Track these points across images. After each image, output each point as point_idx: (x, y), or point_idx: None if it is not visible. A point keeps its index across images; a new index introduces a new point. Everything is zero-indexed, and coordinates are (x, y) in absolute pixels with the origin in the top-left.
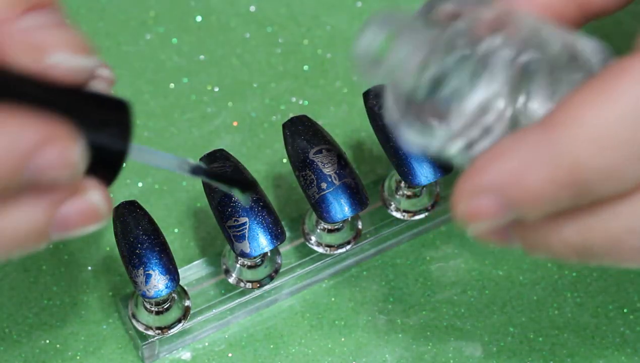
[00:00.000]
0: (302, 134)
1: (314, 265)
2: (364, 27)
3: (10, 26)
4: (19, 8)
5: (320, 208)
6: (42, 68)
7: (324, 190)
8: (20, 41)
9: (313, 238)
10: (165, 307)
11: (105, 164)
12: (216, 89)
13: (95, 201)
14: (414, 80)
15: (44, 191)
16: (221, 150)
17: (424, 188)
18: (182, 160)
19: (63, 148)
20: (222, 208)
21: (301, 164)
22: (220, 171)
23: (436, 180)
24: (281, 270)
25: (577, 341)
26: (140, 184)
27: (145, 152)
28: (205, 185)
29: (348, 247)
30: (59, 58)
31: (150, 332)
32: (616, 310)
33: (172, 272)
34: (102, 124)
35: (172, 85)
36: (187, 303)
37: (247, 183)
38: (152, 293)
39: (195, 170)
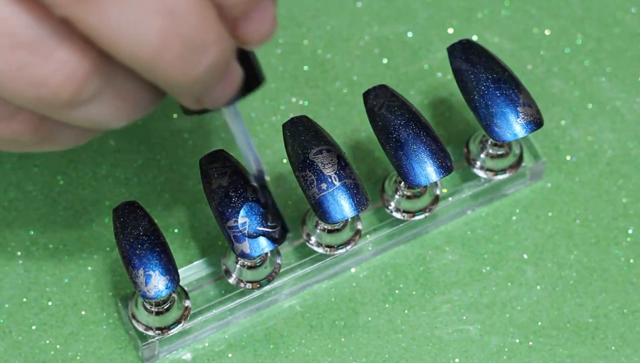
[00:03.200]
0: (302, 134)
1: (314, 266)
2: None
3: None
4: None
5: (320, 208)
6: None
7: (324, 190)
8: None
9: (313, 239)
10: (165, 307)
11: None
12: None
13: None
14: None
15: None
16: (221, 150)
17: (424, 189)
18: (260, 164)
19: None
20: (222, 209)
21: (301, 165)
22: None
23: (436, 180)
24: (281, 271)
25: (577, 341)
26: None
27: (239, 123)
28: (205, 185)
29: (348, 247)
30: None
31: (150, 333)
32: (616, 310)
33: (172, 272)
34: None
35: None
36: (187, 303)
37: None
38: (152, 293)
39: (259, 176)
